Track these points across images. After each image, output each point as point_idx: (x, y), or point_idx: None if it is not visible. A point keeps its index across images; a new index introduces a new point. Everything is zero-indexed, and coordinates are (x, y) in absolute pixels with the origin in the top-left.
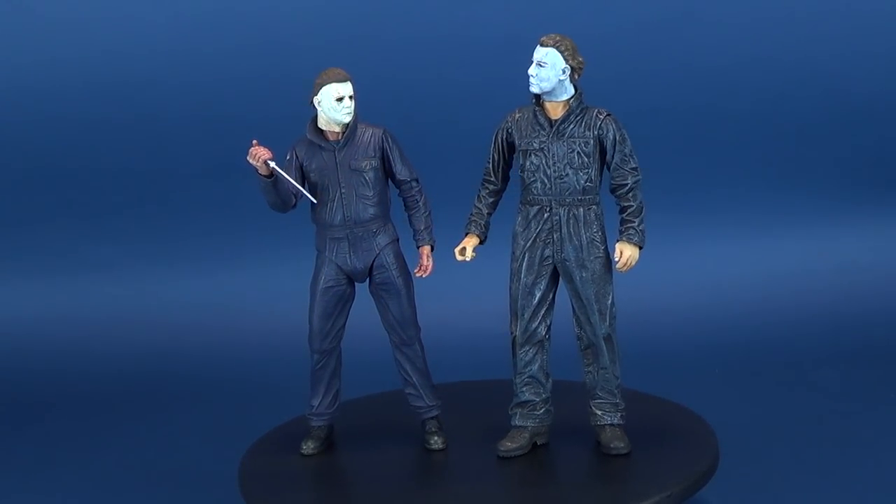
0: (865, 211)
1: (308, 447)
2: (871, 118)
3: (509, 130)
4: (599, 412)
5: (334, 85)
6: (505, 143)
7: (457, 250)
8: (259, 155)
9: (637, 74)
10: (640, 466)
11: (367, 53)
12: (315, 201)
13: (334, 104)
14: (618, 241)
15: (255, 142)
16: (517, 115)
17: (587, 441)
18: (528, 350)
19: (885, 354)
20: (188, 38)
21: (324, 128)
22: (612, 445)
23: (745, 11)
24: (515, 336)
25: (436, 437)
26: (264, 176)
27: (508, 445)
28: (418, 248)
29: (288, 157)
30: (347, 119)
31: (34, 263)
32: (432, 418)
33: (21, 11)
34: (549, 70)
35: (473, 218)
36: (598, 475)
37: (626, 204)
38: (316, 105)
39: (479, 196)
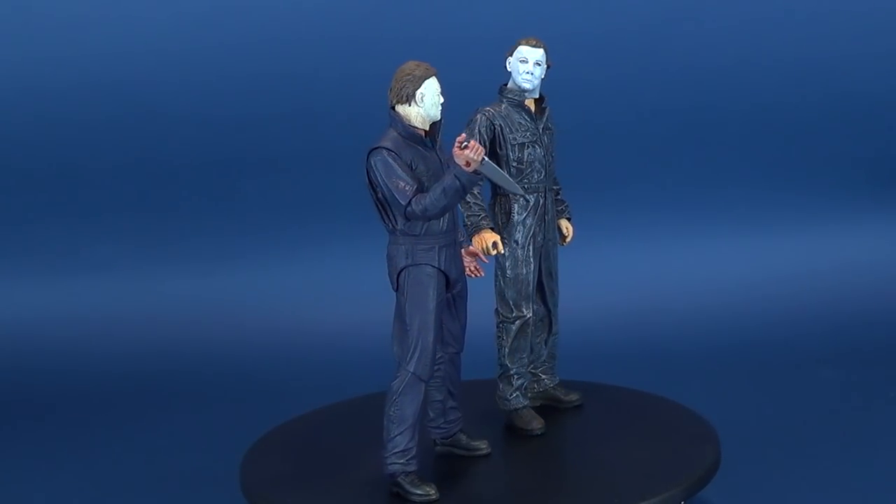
0: (865, 210)
1: (433, 490)
2: (871, 118)
3: (493, 126)
4: (547, 376)
5: (435, 79)
6: (487, 139)
7: (489, 245)
8: (480, 150)
9: (637, 74)
10: (640, 466)
11: (366, 53)
12: (526, 197)
13: (437, 99)
14: (560, 219)
15: (463, 135)
16: (495, 112)
17: (586, 441)
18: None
19: (885, 354)
20: (188, 37)
21: (417, 125)
22: (572, 398)
23: (745, 12)
24: (529, 318)
25: (478, 441)
26: (472, 173)
27: (536, 425)
28: (467, 247)
29: (391, 159)
30: (440, 115)
31: (34, 263)
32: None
33: (21, 11)
34: (542, 69)
35: (481, 213)
36: (598, 475)
37: (558, 187)
38: (418, 100)
39: (472, 194)
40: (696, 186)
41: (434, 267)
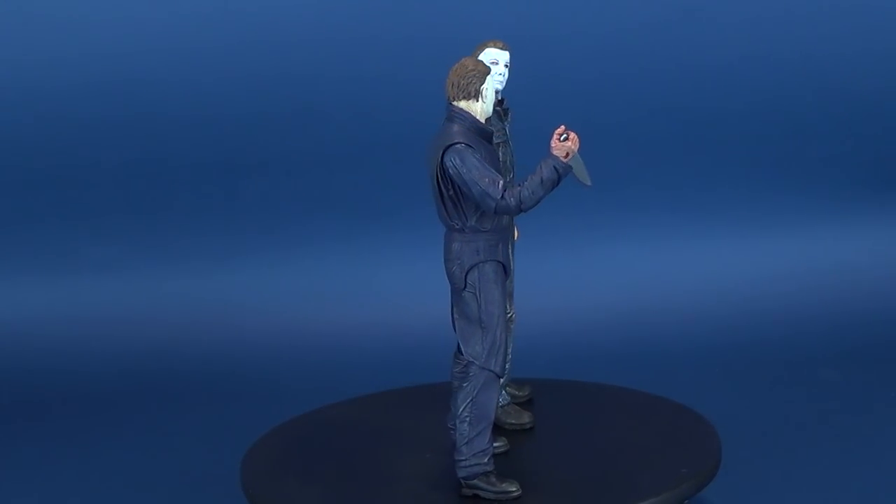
0: (865, 211)
1: (514, 487)
2: (871, 118)
3: None
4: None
5: (490, 76)
6: None
7: None
8: (578, 141)
9: (638, 74)
10: (640, 466)
11: (366, 53)
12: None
13: (494, 95)
14: None
15: (563, 127)
16: None
17: (585, 441)
18: None
19: (885, 354)
20: (188, 37)
21: (483, 120)
22: (525, 392)
23: (744, 11)
24: (512, 315)
25: (497, 441)
26: (566, 165)
27: (527, 418)
28: None
29: (472, 154)
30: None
31: (34, 263)
32: None
33: (21, 11)
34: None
35: None
36: (598, 475)
37: None
38: (483, 95)
39: None
40: (696, 187)
41: (499, 262)
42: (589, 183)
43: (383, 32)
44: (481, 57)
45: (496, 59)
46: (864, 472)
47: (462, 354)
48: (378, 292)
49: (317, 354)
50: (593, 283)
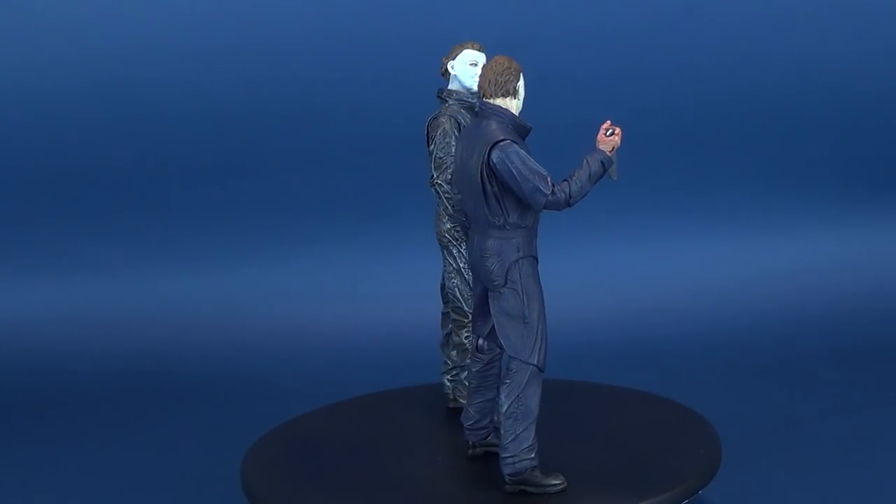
0: (864, 211)
1: (559, 479)
2: (871, 118)
3: (460, 127)
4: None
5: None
6: None
7: None
8: (621, 136)
9: (637, 74)
10: (640, 466)
11: (366, 53)
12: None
13: (524, 92)
14: None
15: (608, 122)
16: (454, 114)
17: (585, 441)
18: None
19: (885, 354)
20: (188, 38)
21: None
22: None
23: (744, 10)
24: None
25: None
26: (611, 159)
27: None
28: None
29: (519, 149)
30: None
31: (34, 263)
32: None
33: (21, 11)
34: None
35: None
36: (598, 475)
37: None
38: (520, 93)
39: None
40: (696, 187)
41: (535, 257)
42: (615, 178)
43: (383, 32)
44: (459, 58)
45: (475, 60)
46: (865, 471)
47: (481, 352)
48: (377, 292)
49: (316, 354)
50: (594, 282)
